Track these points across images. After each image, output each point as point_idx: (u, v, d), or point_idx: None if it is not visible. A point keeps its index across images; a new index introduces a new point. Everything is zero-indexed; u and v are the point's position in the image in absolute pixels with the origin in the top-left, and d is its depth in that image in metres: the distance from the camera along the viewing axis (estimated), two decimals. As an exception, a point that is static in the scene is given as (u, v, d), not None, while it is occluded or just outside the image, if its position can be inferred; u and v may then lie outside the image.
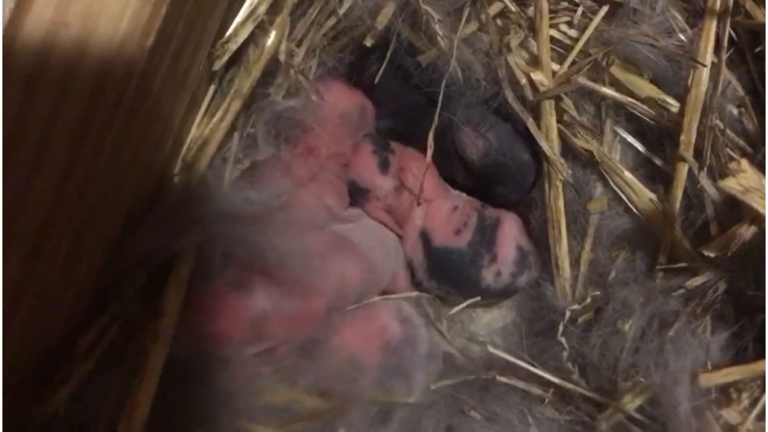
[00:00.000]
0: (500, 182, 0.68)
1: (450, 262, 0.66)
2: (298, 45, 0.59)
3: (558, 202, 0.64)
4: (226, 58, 0.54)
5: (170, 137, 0.51)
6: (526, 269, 0.68)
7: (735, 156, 0.58)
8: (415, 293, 0.67)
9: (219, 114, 0.55)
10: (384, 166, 0.66)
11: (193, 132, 0.54)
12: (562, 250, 0.64)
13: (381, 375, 0.61)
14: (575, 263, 0.64)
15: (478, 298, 0.66)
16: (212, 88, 0.56)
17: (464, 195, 0.70)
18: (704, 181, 0.58)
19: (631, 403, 0.56)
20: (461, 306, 0.65)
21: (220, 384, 0.53)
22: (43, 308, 0.41)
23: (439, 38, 0.61)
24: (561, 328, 0.61)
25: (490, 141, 0.66)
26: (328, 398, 0.57)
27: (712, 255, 0.55)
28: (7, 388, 0.40)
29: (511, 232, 0.69)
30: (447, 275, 0.67)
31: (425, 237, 0.67)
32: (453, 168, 0.69)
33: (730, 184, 0.50)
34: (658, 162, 0.63)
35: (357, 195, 0.67)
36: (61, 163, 0.39)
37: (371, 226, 0.67)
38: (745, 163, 0.50)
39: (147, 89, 0.44)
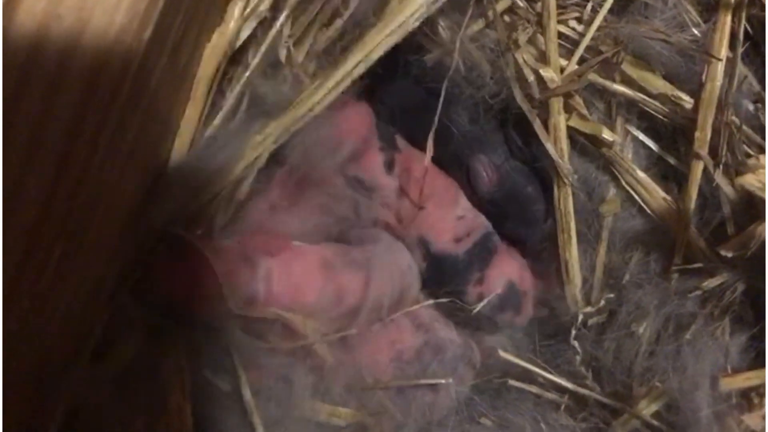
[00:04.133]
0: (509, 214, 0.65)
1: (443, 268, 0.64)
2: (300, 44, 0.57)
3: (567, 206, 0.62)
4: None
5: (170, 136, 0.50)
6: (511, 310, 0.64)
7: (751, 152, 0.56)
8: (431, 301, 0.64)
9: (220, 115, 0.54)
10: (389, 166, 0.63)
11: (194, 131, 0.53)
12: (572, 255, 0.62)
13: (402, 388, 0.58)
14: (589, 267, 0.62)
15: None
16: (213, 89, 0.54)
17: (477, 211, 0.67)
18: (720, 179, 0.57)
19: (647, 409, 0.54)
20: (481, 305, 0.63)
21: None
22: (36, 310, 0.39)
23: (444, 36, 0.60)
24: (573, 331, 0.60)
25: (501, 174, 0.64)
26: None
27: (729, 255, 0.53)
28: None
29: (506, 264, 0.65)
30: (441, 282, 0.64)
31: (423, 243, 0.64)
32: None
33: (749, 181, 0.49)
34: (671, 161, 0.61)
35: (361, 193, 0.63)
36: (53, 159, 0.38)
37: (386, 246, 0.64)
38: (763, 158, 0.49)
39: (144, 85, 0.42)
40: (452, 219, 0.64)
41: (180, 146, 0.51)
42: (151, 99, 0.44)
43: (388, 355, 0.59)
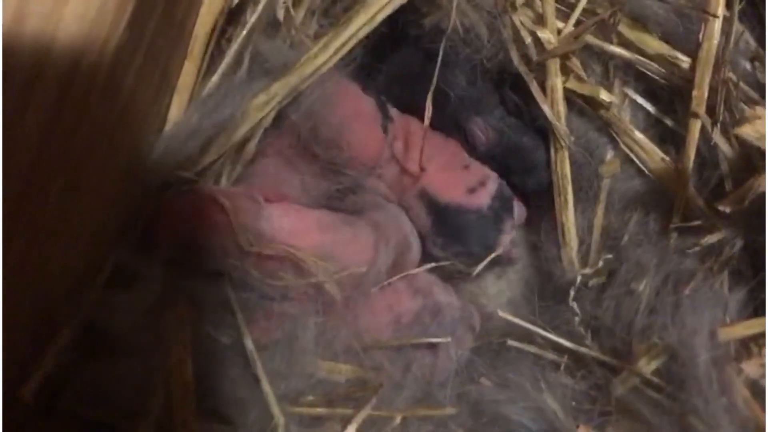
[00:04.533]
0: (511, 166, 0.66)
1: (466, 222, 0.63)
2: (299, 4, 0.57)
3: (564, 168, 0.62)
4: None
5: (168, 90, 0.50)
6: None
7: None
8: (430, 265, 0.63)
9: (218, 73, 0.54)
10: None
11: (192, 88, 0.53)
12: (569, 218, 0.62)
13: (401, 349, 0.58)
14: (587, 229, 0.62)
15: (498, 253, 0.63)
16: (211, 46, 0.55)
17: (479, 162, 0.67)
18: (717, 137, 0.57)
19: (647, 366, 0.54)
20: (482, 265, 0.63)
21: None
22: (34, 251, 0.40)
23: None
24: (572, 293, 0.60)
25: (498, 132, 0.64)
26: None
27: (727, 210, 0.53)
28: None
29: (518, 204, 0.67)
30: (459, 237, 0.63)
31: (425, 195, 0.64)
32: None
33: (747, 131, 0.49)
34: (669, 123, 0.61)
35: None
36: (50, 102, 0.38)
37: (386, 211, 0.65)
38: (761, 109, 0.49)
39: (140, 34, 0.42)
40: (458, 171, 0.64)
41: (179, 101, 0.51)
42: (148, 50, 0.44)
43: (386, 318, 0.59)
